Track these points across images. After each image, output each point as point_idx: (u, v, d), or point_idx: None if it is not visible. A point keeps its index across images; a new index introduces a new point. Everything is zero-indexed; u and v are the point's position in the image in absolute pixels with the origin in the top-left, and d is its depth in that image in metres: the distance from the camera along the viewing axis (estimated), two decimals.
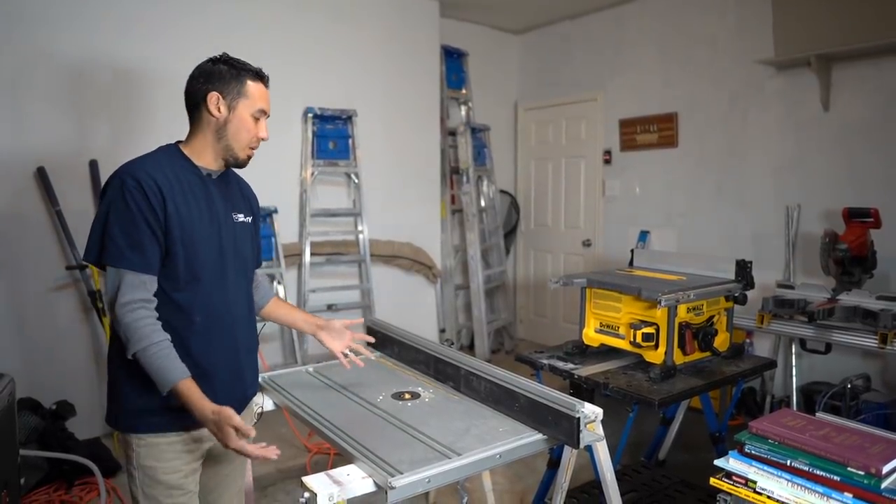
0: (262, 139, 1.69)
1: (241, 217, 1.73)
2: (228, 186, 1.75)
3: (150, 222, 1.50)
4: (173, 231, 1.53)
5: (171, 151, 1.65)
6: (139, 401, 1.57)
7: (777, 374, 3.86)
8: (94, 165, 3.44)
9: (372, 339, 2.12)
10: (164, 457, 1.60)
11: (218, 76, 1.62)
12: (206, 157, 1.65)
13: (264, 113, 1.67)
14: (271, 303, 1.97)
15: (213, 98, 1.61)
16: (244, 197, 1.80)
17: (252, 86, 1.64)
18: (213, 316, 1.63)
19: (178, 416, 1.55)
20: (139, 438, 1.58)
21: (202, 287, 1.60)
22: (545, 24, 5.54)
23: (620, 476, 2.54)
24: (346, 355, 1.97)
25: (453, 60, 5.28)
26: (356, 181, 4.39)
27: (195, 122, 1.66)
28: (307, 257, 4.18)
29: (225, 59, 1.65)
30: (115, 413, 1.62)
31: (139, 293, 1.50)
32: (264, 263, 3.68)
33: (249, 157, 1.69)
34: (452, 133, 5.24)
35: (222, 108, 1.61)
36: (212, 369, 1.63)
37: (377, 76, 4.55)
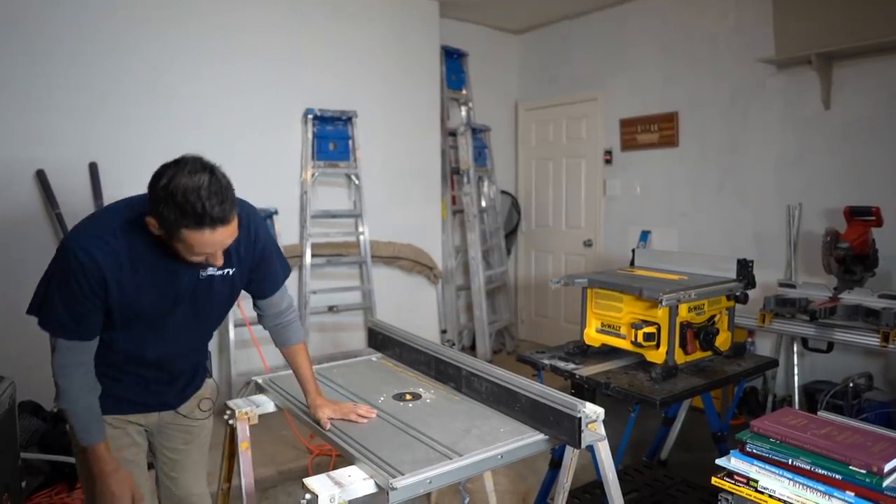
0: (213, 265, 1.54)
1: (210, 270, 1.61)
2: None
3: (90, 298, 1.50)
4: (113, 304, 1.54)
5: (135, 216, 1.49)
6: None
7: (779, 373, 3.86)
8: (94, 168, 3.45)
9: (373, 415, 1.84)
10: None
11: (155, 201, 1.38)
12: None
13: (210, 254, 1.47)
14: (293, 349, 1.90)
15: (151, 221, 1.42)
16: (229, 250, 1.57)
17: (189, 235, 1.38)
18: (139, 358, 1.70)
19: (106, 403, 1.65)
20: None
21: (133, 334, 1.64)
22: (545, 23, 5.54)
23: (622, 476, 2.54)
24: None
25: (453, 61, 5.28)
26: (357, 182, 4.39)
27: None
28: (308, 259, 4.18)
29: (170, 186, 1.34)
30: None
31: (75, 356, 1.57)
32: None
33: (205, 261, 1.51)
34: (453, 133, 5.24)
35: (161, 233, 1.43)
36: (124, 382, 1.72)
37: (377, 77, 4.55)
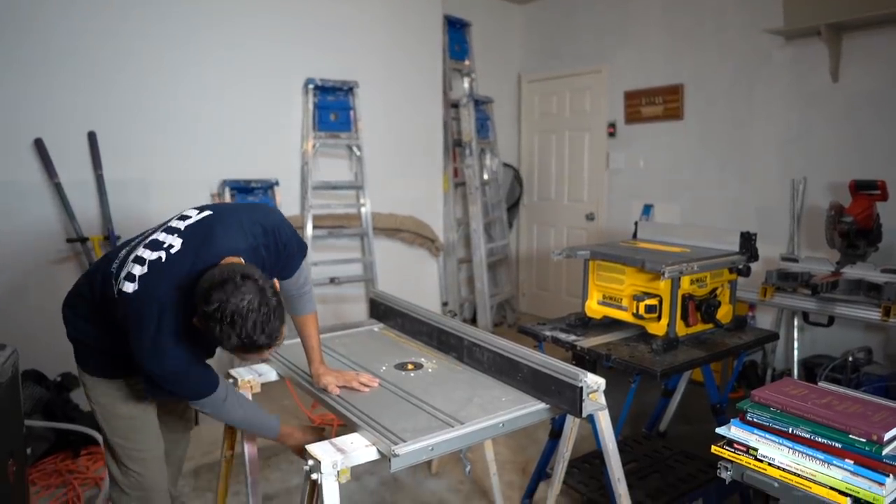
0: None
1: None
2: None
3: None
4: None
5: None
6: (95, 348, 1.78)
7: (778, 347, 3.87)
8: (92, 137, 3.42)
9: (375, 384, 1.89)
10: (113, 395, 1.79)
11: (205, 318, 1.41)
12: None
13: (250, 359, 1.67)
14: (304, 318, 1.94)
15: (198, 324, 1.47)
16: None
17: (241, 352, 1.48)
18: None
19: (111, 368, 1.76)
20: (85, 377, 1.82)
21: None
22: None
23: (621, 447, 2.55)
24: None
25: (456, 31, 5.21)
26: (358, 153, 4.36)
27: None
28: (309, 230, 4.17)
29: (226, 310, 1.39)
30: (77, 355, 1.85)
31: (219, 390, 1.67)
32: None
33: None
34: (455, 105, 5.18)
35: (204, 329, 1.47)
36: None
37: (378, 46, 4.49)
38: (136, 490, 1.82)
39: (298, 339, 2.05)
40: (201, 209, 1.69)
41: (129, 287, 1.52)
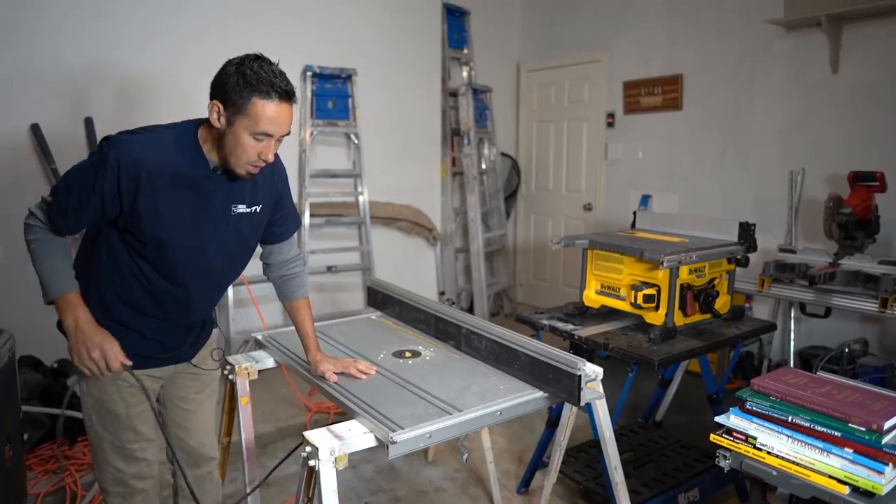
0: (265, 161, 1.54)
1: (241, 208, 1.65)
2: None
3: (103, 196, 1.50)
4: (141, 220, 1.53)
5: (187, 139, 1.55)
6: None
7: (775, 338, 3.88)
8: (89, 123, 3.39)
9: (372, 371, 1.86)
10: (106, 388, 1.66)
11: (224, 83, 1.47)
12: (213, 152, 1.57)
13: (270, 135, 1.50)
14: (296, 304, 1.90)
15: (214, 107, 1.49)
16: (257, 183, 1.67)
17: (259, 104, 1.46)
18: (165, 293, 1.66)
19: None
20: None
21: (165, 270, 1.62)
22: None
23: (618, 436, 2.56)
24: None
25: (455, 19, 5.17)
26: (356, 142, 4.34)
27: None
28: (306, 218, 4.15)
29: (243, 65, 1.47)
30: None
31: (45, 235, 1.59)
32: None
33: (249, 174, 1.56)
34: (454, 94, 5.16)
35: (222, 120, 1.49)
36: (141, 329, 1.68)
37: (377, 34, 4.45)
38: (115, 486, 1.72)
39: (291, 328, 2.04)
40: None
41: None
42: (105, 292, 1.63)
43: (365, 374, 1.83)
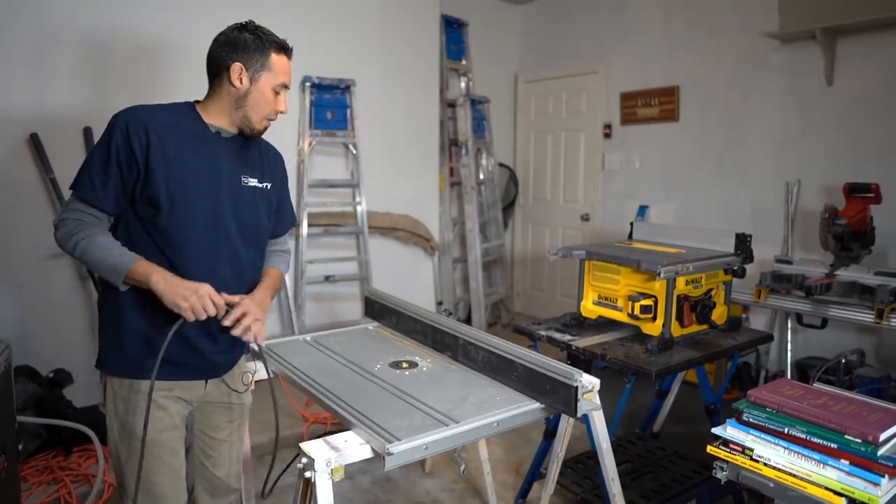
0: (281, 112, 1.70)
1: (252, 181, 1.71)
2: (247, 150, 1.74)
3: (124, 163, 1.53)
4: (156, 178, 1.53)
5: (182, 106, 1.68)
6: (115, 339, 1.61)
7: (772, 348, 3.88)
8: (88, 133, 3.40)
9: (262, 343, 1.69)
10: (139, 406, 1.58)
11: (243, 46, 1.62)
12: (219, 119, 1.67)
13: (285, 87, 1.68)
14: (271, 270, 1.84)
15: (237, 69, 1.61)
16: (264, 161, 1.78)
17: (276, 59, 1.65)
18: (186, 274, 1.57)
19: (152, 365, 1.51)
20: (113, 381, 1.62)
21: (183, 240, 1.58)
22: None
23: (615, 447, 2.56)
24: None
25: (453, 30, 5.20)
26: (354, 152, 4.35)
27: (215, 88, 1.69)
28: (304, 228, 4.16)
29: (251, 28, 1.65)
30: (99, 354, 1.66)
31: (83, 217, 1.56)
32: None
33: (266, 128, 1.72)
34: (452, 104, 5.18)
35: (244, 80, 1.62)
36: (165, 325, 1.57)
37: (376, 45, 4.48)
38: None
39: (291, 337, 2.02)
40: None
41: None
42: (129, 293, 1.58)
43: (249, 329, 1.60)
